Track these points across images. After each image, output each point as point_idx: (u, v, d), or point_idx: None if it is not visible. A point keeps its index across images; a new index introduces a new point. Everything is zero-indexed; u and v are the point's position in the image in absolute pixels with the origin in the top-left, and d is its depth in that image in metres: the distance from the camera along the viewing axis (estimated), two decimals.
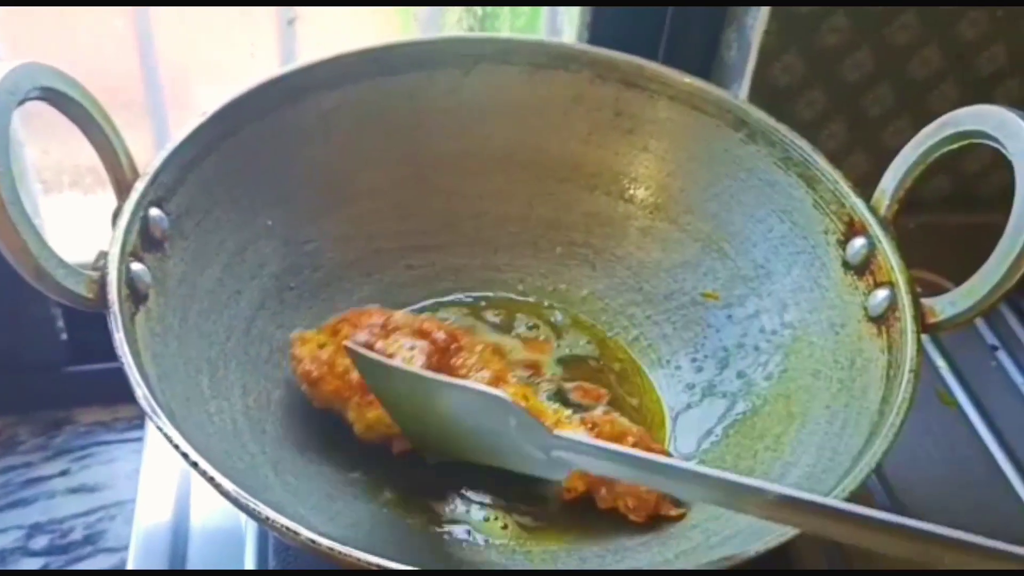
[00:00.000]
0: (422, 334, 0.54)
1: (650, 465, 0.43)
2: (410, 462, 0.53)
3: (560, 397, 0.58)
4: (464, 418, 0.47)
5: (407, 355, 0.53)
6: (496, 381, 0.53)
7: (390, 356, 0.52)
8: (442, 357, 0.54)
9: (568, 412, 0.53)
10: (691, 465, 0.51)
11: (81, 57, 0.68)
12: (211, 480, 0.40)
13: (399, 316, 0.56)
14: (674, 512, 0.51)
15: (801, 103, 0.72)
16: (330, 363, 0.53)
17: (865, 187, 0.56)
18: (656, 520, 0.51)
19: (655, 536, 0.50)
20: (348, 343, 0.50)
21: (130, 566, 0.57)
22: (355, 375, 0.51)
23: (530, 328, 0.62)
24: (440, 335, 0.54)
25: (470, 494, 0.53)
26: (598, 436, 0.51)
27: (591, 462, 0.45)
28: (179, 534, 0.59)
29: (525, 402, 0.52)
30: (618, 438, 0.51)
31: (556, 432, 0.45)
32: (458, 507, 0.52)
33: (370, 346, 0.52)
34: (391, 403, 0.50)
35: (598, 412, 0.53)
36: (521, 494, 0.53)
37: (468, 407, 0.46)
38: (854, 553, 0.57)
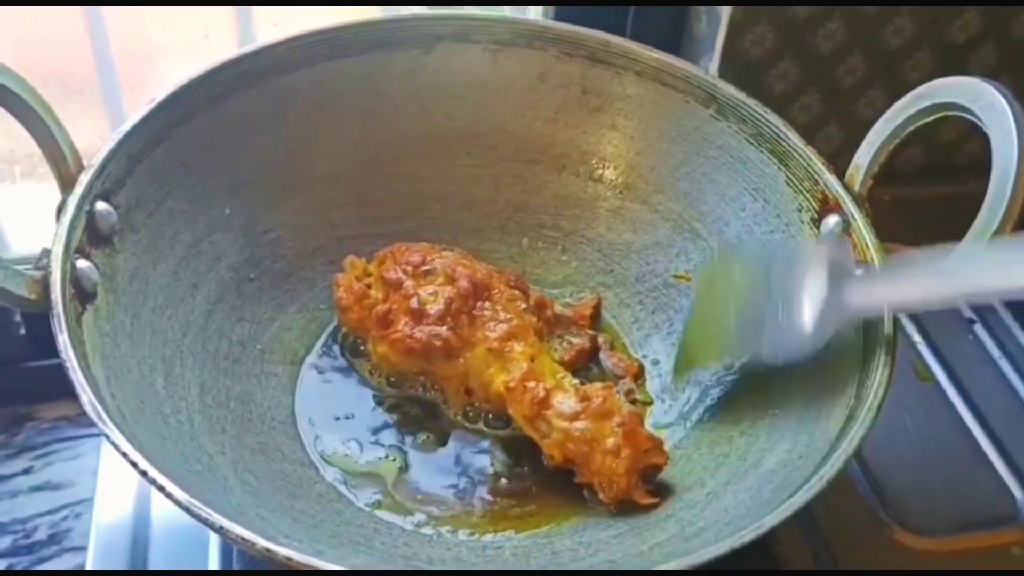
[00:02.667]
0: (451, 279, 0.55)
1: None
2: (374, 457, 0.53)
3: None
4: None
5: (428, 299, 0.54)
6: (508, 338, 0.54)
7: (410, 295, 0.54)
8: (463, 304, 0.54)
9: (570, 379, 0.53)
10: None
11: (31, 42, 0.65)
12: (162, 489, 0.39)
13: (439, 258, 0.56)
14: (646, 501, 0.50)
15: (773, 75, 0.71)
16: (361, 294, 0.56)
17: (840, 159, 0.55)
18: (628, 506, 0.50)
19: (629, 528, 0.49)
20: None
21: (89, 565, 0.56)
22: (379, 308, 0.55)
23: None
24: (465, 283, 0.55)
25: (436, 486, 0.52)
26: (588, 410, 0.51)
27: None
28: (140, 532, 0.57)
29: (530, 362, 0.53)
30: (606, 415, 0.50)
31: None
32: (424, 500, 0.52)
33: (399, 284, 0.55)
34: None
35: (598, 386, 0.52)
36: (496, 483, 0.53)
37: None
38: (841, 552, 0.57)
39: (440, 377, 0.55)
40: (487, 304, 0.55)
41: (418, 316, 0.54)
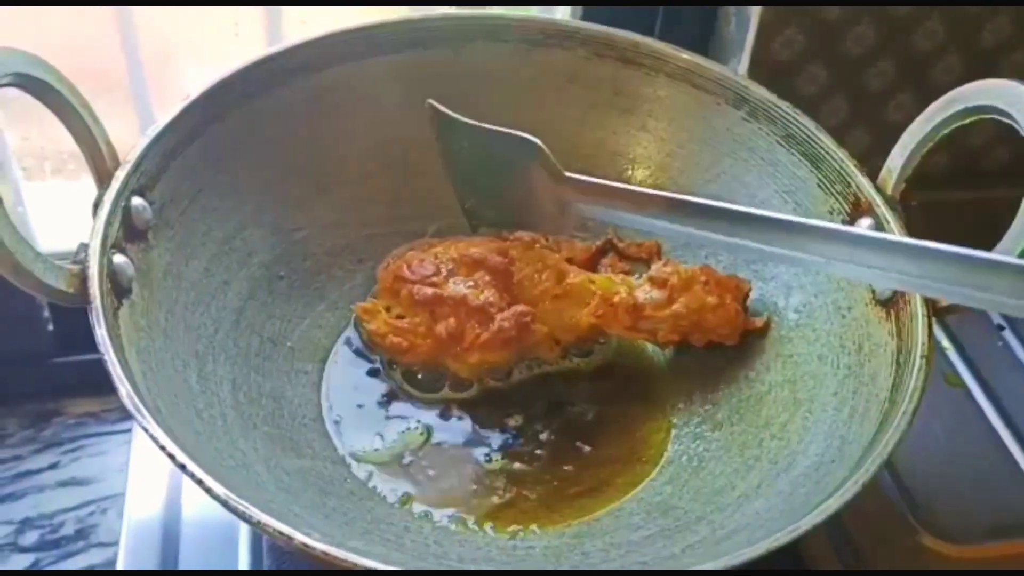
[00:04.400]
0: (476, 265, 0.56)
1: (650, 200, 0.49)
2: (402, 455, 0.53)
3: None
4: (503, 166, 0.54)
5: (476, 293, 0.55)
6: (560, 278, 0.56)
7: (461, 299, 0.54)
8: (506, 277, 0.55)
9: (628, 278, 0.57)
10: (689, 198, 0.50)
11: (61, 40, 0.66)
12: (200, 482, 0.39)
13: (444, 254, 0.57)
14: (761, 322, 0.56)
15: (802, 78, 0.71)
16: (412, 329, 0.55)
17: (868, 163, 0.54)
18: (747, 336, 0.56)
19: (660, 530, 0.49)
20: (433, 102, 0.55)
21: (120, 562, 0.56)
22: (441, 328, 0.54)
23: None
24: (492, 260, 0.55)
25: (465, 483, 0.52)
26: (673, 289, 0.55)
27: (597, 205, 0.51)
28: (171, 528, 0.57)
29: (594, 284, 0.56)
30: (689, 283, 0.55)
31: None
32: (452, 497, 0.52)
33: (438, 298, 0.55)
34: (454, 160, 0.56)
35: (658, 267, 0.57)
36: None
37: (506, 147, 0.54)
38: (869, 556, 0.56)
39: (532, 347, 0.56)
40: (517, 264, 0.56)
41: (483, 312, 0.54)
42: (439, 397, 0.56)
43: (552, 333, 0.56)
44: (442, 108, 0.55)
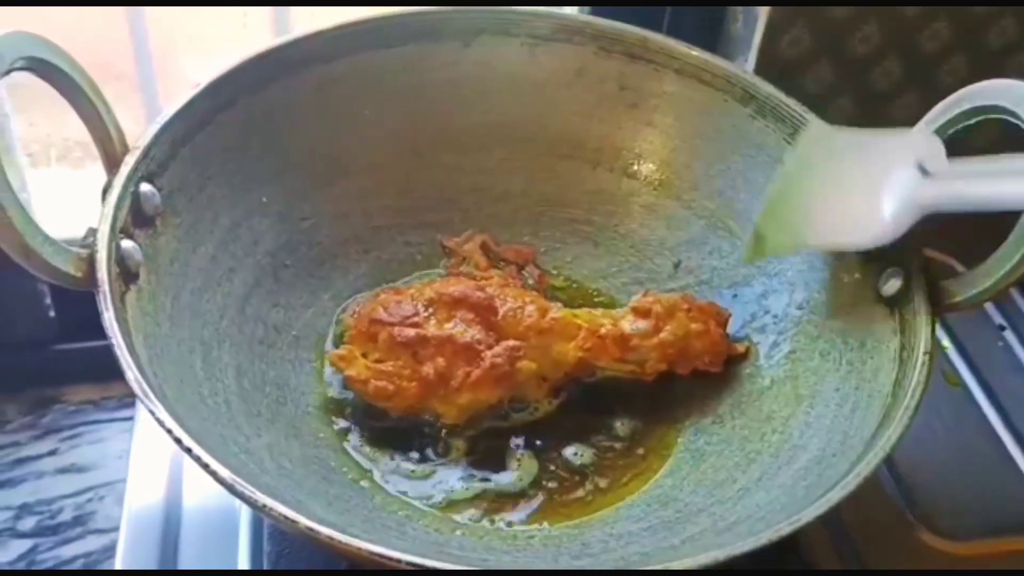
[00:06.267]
0: (456, 303, 0.54)
1: None
2: (406, 445, 0.53)
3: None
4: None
5: (461, 331, 0.53)
6: (543, 313, 0.55)
7: (446, 338, 0.52)
8: (489, 314, 0.54)
9: (607, 311, 0.57)
10: None
11: (68, 28, 0.66)
12: (206, 467, 0.39)
13: (420, 294, 0.55)
14: (743, 348, 0.57)
15: (808, 77, 0.71)
16: (396, 372, 0.52)
17: None
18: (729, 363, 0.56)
19: (660, 522, 0.49)
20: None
21: (120, 548, 0.56)
22: (428, 369, 0.51)
23: None
24: (473, 296, 0.54)
25: (468, 474, 0.53)
26: (658, 318, 0.55)
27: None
28: (171, 515, 0.58)
29: (576, 318, 0.55)
30: (672, 311, 0.55)
31: None
32: (454, 488, 0.52)
33: (422, 339, 0.52)
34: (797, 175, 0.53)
35: (638, 298, 0.56)
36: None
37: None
38: (868, 553, 0.57)
39: (520, 386, 0.54)
40: (498, 300, 0.55)
41: (470, 349, 0.52)
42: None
43: (540, 370, 0.54)
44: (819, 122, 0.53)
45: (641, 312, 0.55)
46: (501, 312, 0.54)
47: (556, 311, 0.55)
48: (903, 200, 0.45)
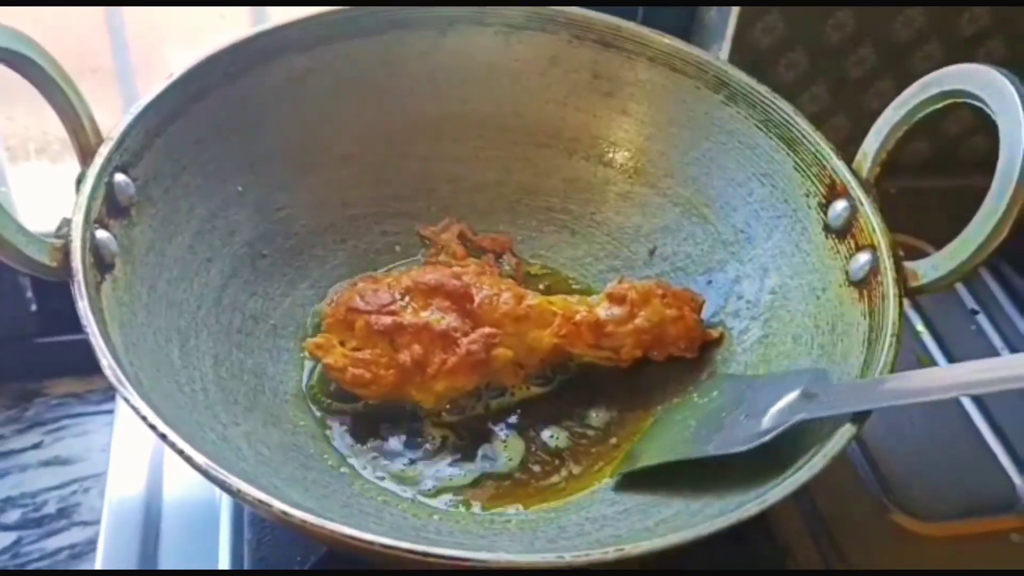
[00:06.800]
0: (432, 291, 0.54)
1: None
2: (388, 432, 0.53)
3: None
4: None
5: (438, 319, 0.53)
6: (519, 300, 0.55)
7: (423, 325, 0.53)
8: (466, 301, 0.54)
9: (582, 297, 0.57)
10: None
11: (44, 20, 0.66)
12: (181, 453, 0.39)
13: (396, 281, 0.55)
14: (717, 333, 0.57)
15: (782, 65, 0.71)
16: (374, 360, 0.53)
17: (847, 150, 0.55)
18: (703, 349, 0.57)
19: (635, 505, 0.49)
20: None
21: (101, 540, 0.57)
22: (405, 356, 0.52)
23: None
24: (449, 284, 0.54)
25: (444, 459, 0.53)
26: (633, 304, 0.55)
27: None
28: (152, 506, 0.58)
29: (551, 304, 0.55)
30: (647, 298, 0.56)
31: None
32: (432, 474, 0.52)
33: (399, 326, 0.53)
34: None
35: (614, 284, 0.57)
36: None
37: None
38: (842, 535, 0.57)
39: (496, 373, 0.54)
40: (475, 288, 0.55)
41: (447, 337, 0.53)
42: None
43: (515, 357, 0.54)
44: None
45: (616, 299, 0.56)
46: (477, 300, 0.54)
47: (532, 298, 0.55)
48: (780, 416, 0.47)
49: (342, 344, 0.54)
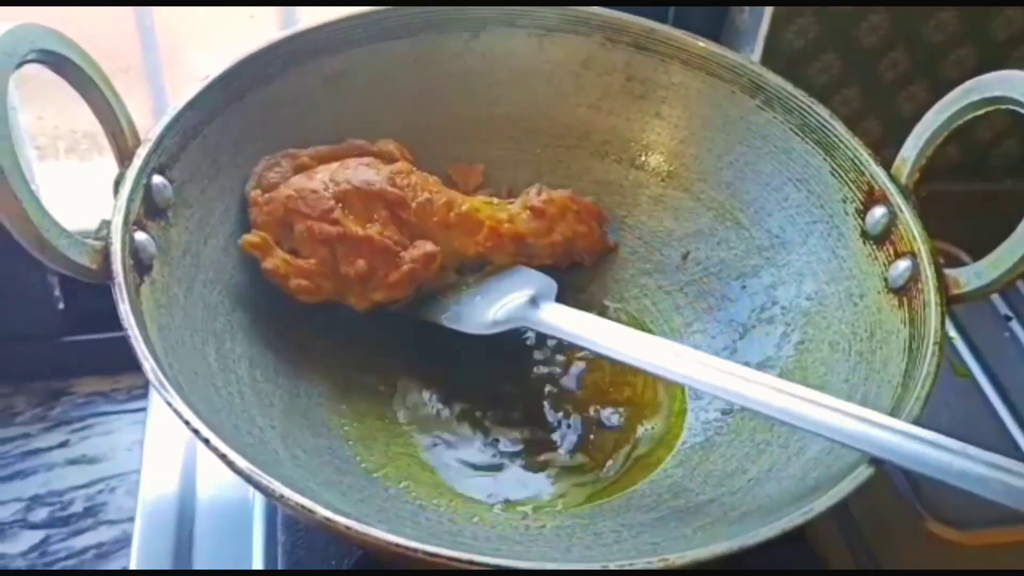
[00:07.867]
0: (372, 198, 0.55)
1: None
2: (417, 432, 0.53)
3: None
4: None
5: (378, 231, 0.54)
6: (449, 208, 0.57)
7: (365, 238, 0.54)
8: (403, 211, 0.55)
9: (505, 205, 0.60)
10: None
11: (74, 20, 0.66)
12: (223, 457, 0.39)
13: (333, 183, 0.55)
14: (614, 243, 0.62)
15: (814, 68, 0.71)
16: (317, 271, 0.54)
17: (879, 154, 0.55)
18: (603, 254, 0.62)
19: (671, 512, 0.49)
20: None
21: (136, 539, 0.57)
22: (350, 270, 0.53)
23: None
24: (392, 192, 0.55)
25: (476, 462, 0.53)
26: (551, 219, 0.60)
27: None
28: (186, 505, 0.58)
29: (478, 213, 0.58)
30: (563, 212, 0.60)
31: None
32: (468, 482, 0.52)
33: (342, 236, 0.53)
34: None
35: (533, 196, 0.61)
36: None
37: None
38: (876, 542, 0.57)
39: (428, 280, 0.57)
40: (409, 195, 0.56)
41: (388, 251, 0.54)
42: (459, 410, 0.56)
43: (442, 262, 0.57)
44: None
45: (536, 212, 0.60)
46: (412, 207, 0.56)
47: (461, 203, 0.58)
48: (508, 314, 0.55)
49: (279, 244, 0.54)
